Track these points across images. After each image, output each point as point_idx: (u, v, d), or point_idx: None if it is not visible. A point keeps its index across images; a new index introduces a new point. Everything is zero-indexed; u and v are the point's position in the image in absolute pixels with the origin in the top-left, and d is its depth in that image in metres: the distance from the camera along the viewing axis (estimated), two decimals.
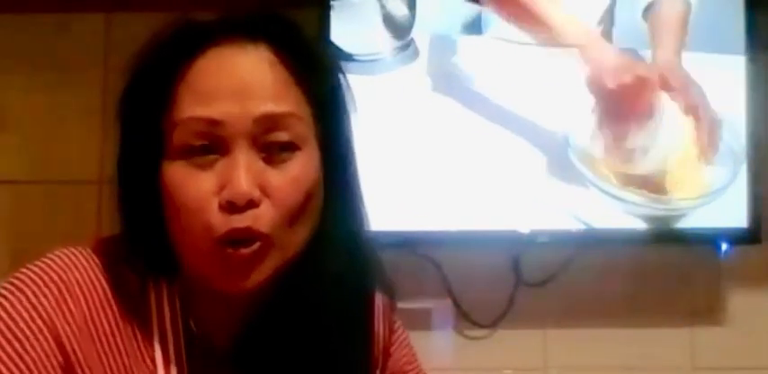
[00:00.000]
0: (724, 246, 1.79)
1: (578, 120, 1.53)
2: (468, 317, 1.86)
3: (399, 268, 1.79)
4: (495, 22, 1.47)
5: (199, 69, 0.76)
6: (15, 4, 1.86)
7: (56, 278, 0.74)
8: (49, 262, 0.76)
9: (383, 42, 1.47)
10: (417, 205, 1.77)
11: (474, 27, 1.50)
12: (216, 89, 0.75)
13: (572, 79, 1.54)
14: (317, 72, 0.79)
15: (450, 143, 1.78)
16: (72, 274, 0.75)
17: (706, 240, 1.80)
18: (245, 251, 0.74)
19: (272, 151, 0.76)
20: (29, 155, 1.90)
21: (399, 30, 1.45)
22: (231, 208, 0.74)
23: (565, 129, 1.58)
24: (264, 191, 0.75)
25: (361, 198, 0.84)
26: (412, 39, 1.49)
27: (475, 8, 1.44)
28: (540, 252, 1.84)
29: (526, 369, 1.88)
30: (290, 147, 0.77)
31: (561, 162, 1.59)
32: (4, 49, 1.90)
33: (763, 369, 1.84)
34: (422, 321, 1.84)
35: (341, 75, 0.82)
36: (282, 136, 0.76)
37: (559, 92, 1.57)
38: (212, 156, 0.75)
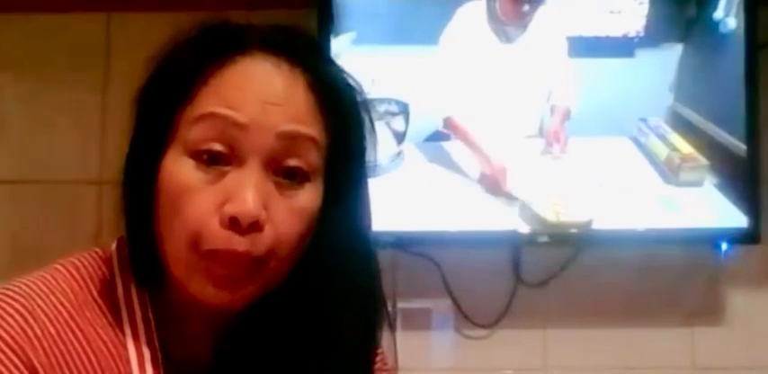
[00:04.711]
0: (724, 246, 1.79)
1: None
2: (468, 317, 1.86)
3: (399, 268, 1.82)
4: None
5: (230, 76, 0.75)
6: (15, 4, 1.86)
7: (18, 306, 0.73)
8: (10, 292, 0.74)
9: (383, 151, 1.75)
10: (417, 205, 1.77)
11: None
12: (245, 98, 0.74)
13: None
14: (341, 107, 0.78)
15: (449, 143, 1.80)
16: (34, 301, 0.74)
17: (706, 240, 1.80)
18: (236, 267, 0.73)
19: (283, 178, 0.75)
20: (29, 155, 1.90)
21: (398, 141, 1.77)
22: (233, 225, 0.72)
23: None
24: (268, 216, 0.73)
25: (363, 232, 0.81)
26: (402, 148, 1.79)
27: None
28: (540, 252, 1.84)
29: (526, 369, 1.88)
30: (301, 177, 0.75)
31: None
32: (3, 49, 1.90)
33: (764, 369, 1.84)
34: (422, 321, 1.84)
35: (363, 112, 0.81)
36: (297, 162, 0.75)
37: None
38: (222, 168, 0.73)
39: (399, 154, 1.76)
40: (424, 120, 1.79)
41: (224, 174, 0.73)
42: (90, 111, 1.84)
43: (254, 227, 0.72)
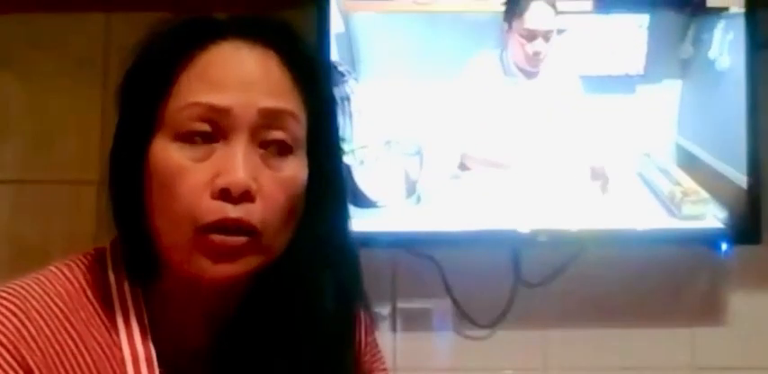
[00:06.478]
0: (724, 246, 1.79)
1: None
2: (468, 317, 1.86)
3: (399, 268, 1.82)
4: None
5: (208, 60, 0.77)
6: (16, 4, 1.86)
7: (13, 308, 0.74)
8: (4, 293, 0.75)
9: (398, 193, 1.81)
10: (418, 205, 1.77)
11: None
12: (224, 79, 0.76)
13: None
14: (316, 84, 0.81)
15: (450, 144, 1.80)
16: (29, 302, 0.75)
17: (706, 240, 1.80)
18: (232, 240, 0.74)
19: (269, 150, 0.77)
20: (28, 155, 1.90)
21: (411, 183, 1.80)
22: (225, 196, 0.74)
23: None
24: (258, 188, 0.75)
25: (344, 204, 0.85)
26: (417, 190, 1.82)
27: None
28: (540, 252, 1.84)
29: (526, 370, 1.88)
30: (285, 149, 0.78)
31: None
32: (3, 49, 1.90)
33: (764, 369, 1.84)
34: (422, 321, 1.84)
35: (335, 91, 0.85)
36: (280, 135, 0.77)
37: None
38: (210, 145, 0.75)
39: (413, 194, 1.79)
40: (439, 161, 1.82)
41: (212, 152, 0.75)
42: (90, 111, 1.84)
43: (246, 196, 0.74)
